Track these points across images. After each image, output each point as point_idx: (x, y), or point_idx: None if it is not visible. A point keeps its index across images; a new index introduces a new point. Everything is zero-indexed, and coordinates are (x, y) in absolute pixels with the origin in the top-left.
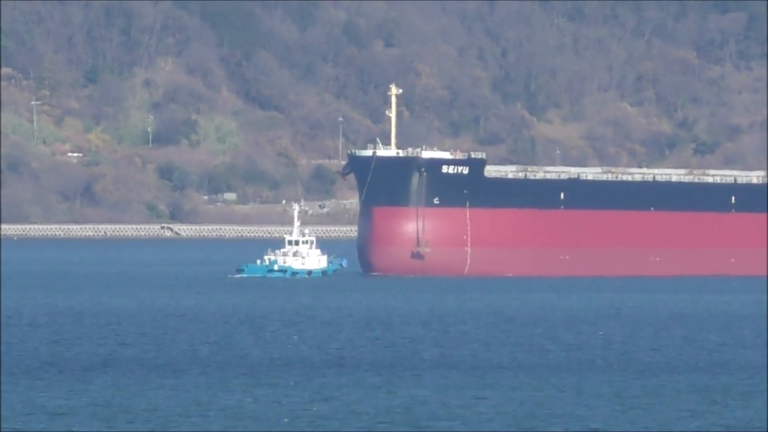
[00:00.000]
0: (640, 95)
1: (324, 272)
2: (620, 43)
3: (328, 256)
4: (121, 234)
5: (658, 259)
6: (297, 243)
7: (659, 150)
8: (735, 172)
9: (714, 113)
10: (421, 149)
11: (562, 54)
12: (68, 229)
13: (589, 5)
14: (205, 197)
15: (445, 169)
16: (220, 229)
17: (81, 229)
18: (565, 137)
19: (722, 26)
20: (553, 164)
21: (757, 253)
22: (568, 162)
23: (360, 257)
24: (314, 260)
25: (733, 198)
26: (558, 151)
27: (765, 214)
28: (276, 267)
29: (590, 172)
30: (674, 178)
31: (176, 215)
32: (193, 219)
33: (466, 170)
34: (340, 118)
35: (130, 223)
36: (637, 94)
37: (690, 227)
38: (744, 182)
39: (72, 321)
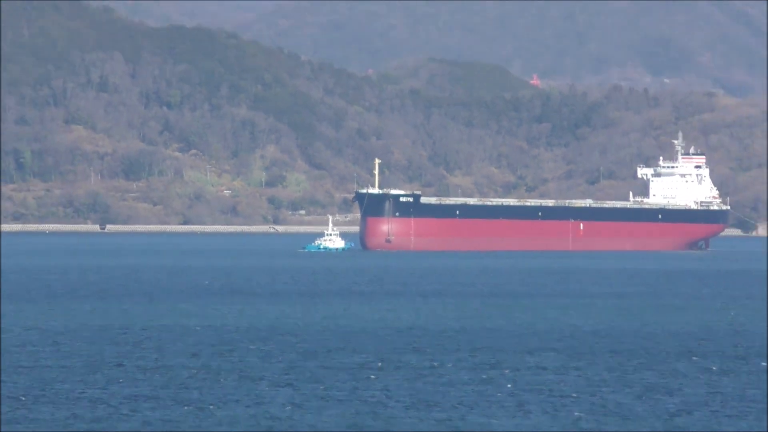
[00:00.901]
0: (500, 163)
1: (343, 249)
2: (489, 137)
3: (345, 242)
4: (249, 231)
5: (503, 242)
6: (330, 235)
7: (508, 190)
8: (541, 201)
9: (535, 172)
10: (390, 190)
11: (461, 142)
12: (224, 228)
13: (477, 117)
14: (290, 212)
15: (402, 199)
16: (297, 228)
17: (229, 228)
18: (463, 184)
19: (539, 129)
20: (456, 197)
21: (553, 240)
22: (463, 196)
23: (360, 242)
24: (338, 243)
25: (539, 212)
26: (459, 191)
27: (562, 221)
28: (321, 246)
29: (472, 201)
30: (511, 203)
31: (276, 221)
32: (285, 223)
33: (411, 199)
34: (355, 174)
35: (252, 225)
36: (498, 163)
37: (518, 227)
38: (546, 205)
39: (201, 273)
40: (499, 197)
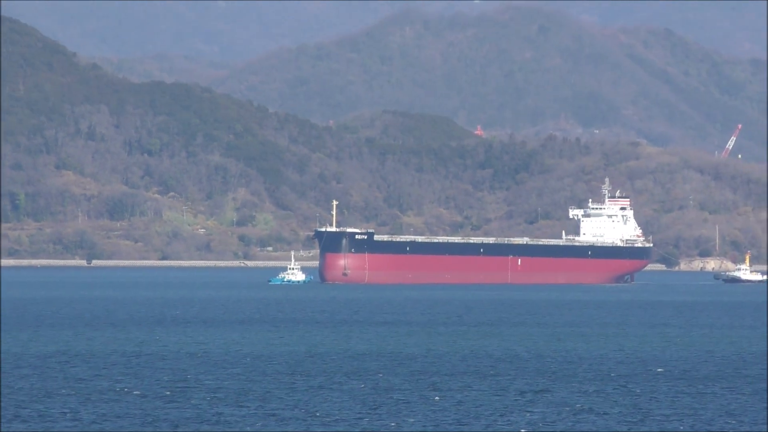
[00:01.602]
0: (447, 205)
1: (304, 282)
2: (438, 181)
3: (305, 275)
4: (221, 265)
5: (448, 276)
6: (292, 269)
7: (455, 229)
8: (483, 238)
9: (479, 212)
10: (346, 228)
11: (413, 185)
12: (198, 263)
13: (426, 163)
14: (259, 249)
15: (357, 236)
16: (265, 263)
17: (203, 263)
18: (415, 223)
19: (482, 174)
20: (409, 235)
21: (494, 274)
22: (415, 234)
23: (320, 275)
24: (299, 276)
25: (481, 249)
26: (411, 229)
27: (501, 257)
28: (285, 279)
29: (420, 238)
30: (456, 241)
31: (246, 257)
32: (254, 258)
33: (366, 237)
34: (317, 214)
35: (224, 260)
36: (446, 204)
37: (461, 262)
38: (487, 242)
39: (180, 305)
40: (447, 235)
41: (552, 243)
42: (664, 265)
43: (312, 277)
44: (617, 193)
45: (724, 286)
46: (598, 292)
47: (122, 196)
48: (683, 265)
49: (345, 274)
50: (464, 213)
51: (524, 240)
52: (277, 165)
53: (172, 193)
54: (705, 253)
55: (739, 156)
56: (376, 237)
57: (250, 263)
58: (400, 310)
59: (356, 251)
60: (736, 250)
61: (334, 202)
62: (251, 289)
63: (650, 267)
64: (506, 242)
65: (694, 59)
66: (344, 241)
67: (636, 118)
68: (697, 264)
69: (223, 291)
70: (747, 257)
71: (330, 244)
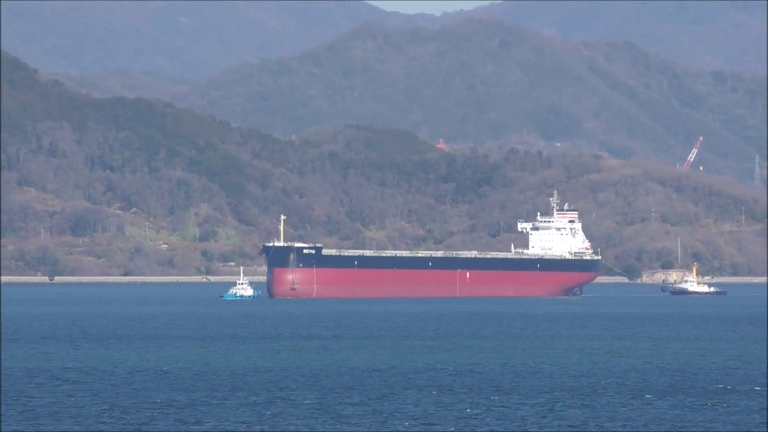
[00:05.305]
0: (410, 218)
1: (252, 297)
2: (400, 195)
3: (254, 290)
4: (183, 281)
5: (397, 289)
6: (243, 284)
7: (418, 243)
8: (431, 252)
9: (442, 226)
10: (294, 243)
11: (375, 199)
12: (161, 279)
13: (389, 177)
14: (222, 264)
15: (305, 251)
16: (228, 278)
17: (165, 279)
18: (377, 237)
19: (445, 188)
20: (372, 249)
21: (442, 287)
22: (378, 248)
23: (267, 290)
24: (248, 291)
25: (430, 263)
26: (374, 243)
27: (450, 271)
28: (237, 294)
29: (369, 253)
30: (404, 254)
31: (209, 272)
32: (217, 273)
33: (314, 251)
34: (279, 228)
35: (187, 275)
36: (408, 218)
37: (411, 276)
38: (436, 256)
39: (149, 320)
40: (410, 249)
41: (500, 256)
42: (626, 278)
43: (259, 293)
44: (565, 206)
45: (671, 298)
46: (547, 305)
47: (84, 212)
48: (645, 278)
49: (293, 289)
50: (427, 227)
51: (473, 253)
52: (240, 180)
53: (134, 209)
54: (667, 265)
55: (701, 168)
56: (324, 251)
57: (212, 278)
58: (348, 325)
59: (304, 266)
60: (698, 262)
61: (282, 217)
62: (204, 305)
63: (612, 279)
64: (454, 256)
65: (655, 72)
66: (292, 256)
67: (598, 130)
68: (659, 276)
69: (179, 306)
70: (694, 269)
71: (277, 258)
